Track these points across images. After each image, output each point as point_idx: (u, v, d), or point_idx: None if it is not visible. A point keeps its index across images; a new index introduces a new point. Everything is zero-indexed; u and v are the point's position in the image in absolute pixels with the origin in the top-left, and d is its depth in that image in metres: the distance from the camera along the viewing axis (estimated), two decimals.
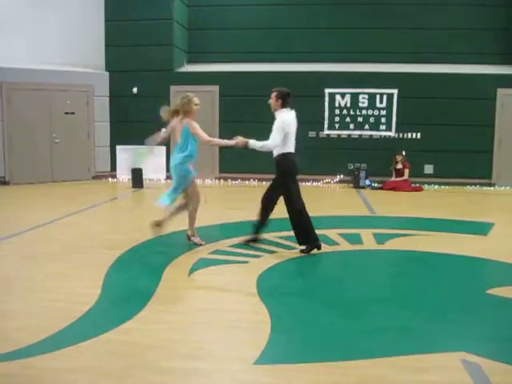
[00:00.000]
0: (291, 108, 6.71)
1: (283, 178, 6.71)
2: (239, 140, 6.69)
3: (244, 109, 13.42)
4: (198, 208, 6.97)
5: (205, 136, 6.79)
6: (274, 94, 6.58)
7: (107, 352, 3.75)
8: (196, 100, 6.82)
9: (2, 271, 5.76)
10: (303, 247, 6.64)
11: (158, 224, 6.96)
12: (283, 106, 6.57)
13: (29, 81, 12.88)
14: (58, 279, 5.49)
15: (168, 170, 13.85)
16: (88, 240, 7.16)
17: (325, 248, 6.77)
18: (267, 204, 6.88)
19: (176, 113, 6.85)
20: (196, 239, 7.01)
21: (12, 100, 12.78)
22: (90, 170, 13.80)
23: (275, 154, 6.70)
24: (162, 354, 3.71)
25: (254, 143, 6.68)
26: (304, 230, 6.64)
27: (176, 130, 6.83)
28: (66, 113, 13.42)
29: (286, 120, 6.50)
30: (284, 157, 6.64)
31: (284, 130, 6.47)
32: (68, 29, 13.70)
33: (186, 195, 6.95)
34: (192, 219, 6.98)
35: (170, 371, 3.46)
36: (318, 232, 6.76)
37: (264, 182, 13.23)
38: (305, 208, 6.71)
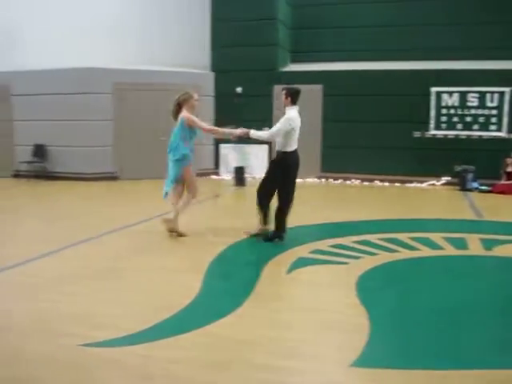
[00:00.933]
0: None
1: (276, 170, 7.01)
2: (241, 131, 7.05)
3: (348, 108, 13.27)
4: (191, 201, 7.28)
5: (205, 125, 7.13)
6: (284, 92, 6.92)
7: (206, 345, 3.83)
8: (196, 96, 7.17)
9: (111, 262, 6.04)
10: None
11: (172, 229, 7.21)
12: (293, 103, 6.90)
13: (138, 81, 13.43)
14: (161, 272, 5.68)
15: None
16: (190, 235, 7.34)
17: (428, 252, 6.56)
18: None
19: (180, 107, 7.14)
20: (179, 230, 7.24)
21: (123, 99, 13.38)
22: (195, 167, 14.14)
23: (278, 148, 7.00)
24: (259, 350, 3.74)
25: (254, 132, 7.03)
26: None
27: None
28: None
29: (293, 118, 6.82)
30: (285, 155, 6.94)
31: (290, 125, 6.78)
32: (176, 30, 14.15)
33: (184, 186, 7.29)
34: (182, 209, 7.24)
35: (266, 368, 3.47)
36: (421, 235, 6.71)
37: (366, 183, 13.06)
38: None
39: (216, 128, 7.20)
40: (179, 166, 7.09)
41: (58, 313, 4.44)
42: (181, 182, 7.25)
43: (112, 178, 13.40)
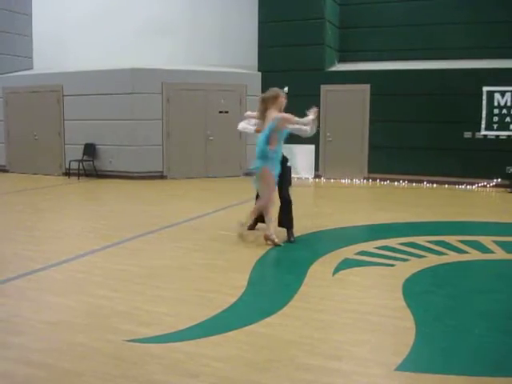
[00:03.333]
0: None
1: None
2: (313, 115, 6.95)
3: (396, 108, 13.08)
4: (264, 207, 6.85)
5: (297, 120, 6.81)
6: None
7: (250, 344, 3.84)
8: (283, 93, 6.97)
9: (158, 260, 6.13)
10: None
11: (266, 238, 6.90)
12: None
13: (186, 81, 13.57)
14: (207, 270, 5.73)
15: (317, 168, 13.95)
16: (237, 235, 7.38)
17: (478, 255, 6.41)
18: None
19: (266, 107, 6.92)
20: (272, 237, 6.77)
21: (171, 99, 13.54)
22: (242, 167, 14.20)
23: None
24: (303, 350, 3.73)
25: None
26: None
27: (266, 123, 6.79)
28: (220, 112, 13.95)
29: None
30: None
31: None
32: (223, 31, 14.26)
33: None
34: (258, 213, 6.99)
35: (309, 369, 3.46)
36: (470, 238, 6.72)
37: (414, 184, 12.86)
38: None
39: (299, 120, 6.94)
40: (260, 165, 6.67)
41: (106, 308, 4.54)
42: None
43: (160, 177, 13.58)
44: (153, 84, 13.39)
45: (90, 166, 13.84)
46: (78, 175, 13.72)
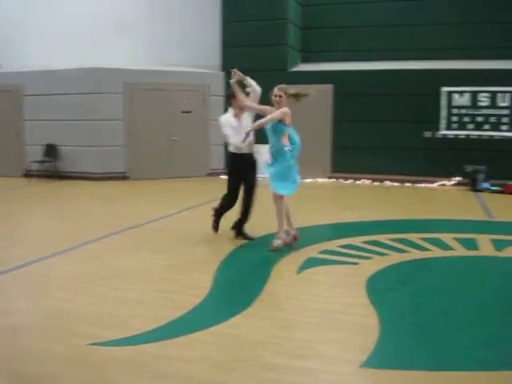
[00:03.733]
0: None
1: None
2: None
3: (358, 108, 13.22)
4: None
5: None
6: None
7: (216, 344, 3.83)
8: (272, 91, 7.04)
9: (121, 261, 6.06)
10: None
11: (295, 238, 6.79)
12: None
13: (148, 81, 13.46)
14: (171, 271, 5.70)
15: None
16: (201, 235, 7.35)
17: (439, 252, 6.52)
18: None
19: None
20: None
21: (133, 99, 13.41)
22: (205, 167, 14.14)
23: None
24: (269, 350, 3.73)
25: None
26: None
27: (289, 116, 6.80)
28: (183, 112, 13.88)
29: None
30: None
31: None
32: (186, 31, 14.15)
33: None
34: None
35: (275, 368, 3.47)
36: (431, 236, 6.88)
37: (376, 183, 13.01)
38: None
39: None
40: None
41: (68, 312, 4.46)
42: None
43: (122, 177, 13.43)
44: (114, 84, 13.24)
45: (52, 167, 13.60)
46: (39, 177, 13.47)
